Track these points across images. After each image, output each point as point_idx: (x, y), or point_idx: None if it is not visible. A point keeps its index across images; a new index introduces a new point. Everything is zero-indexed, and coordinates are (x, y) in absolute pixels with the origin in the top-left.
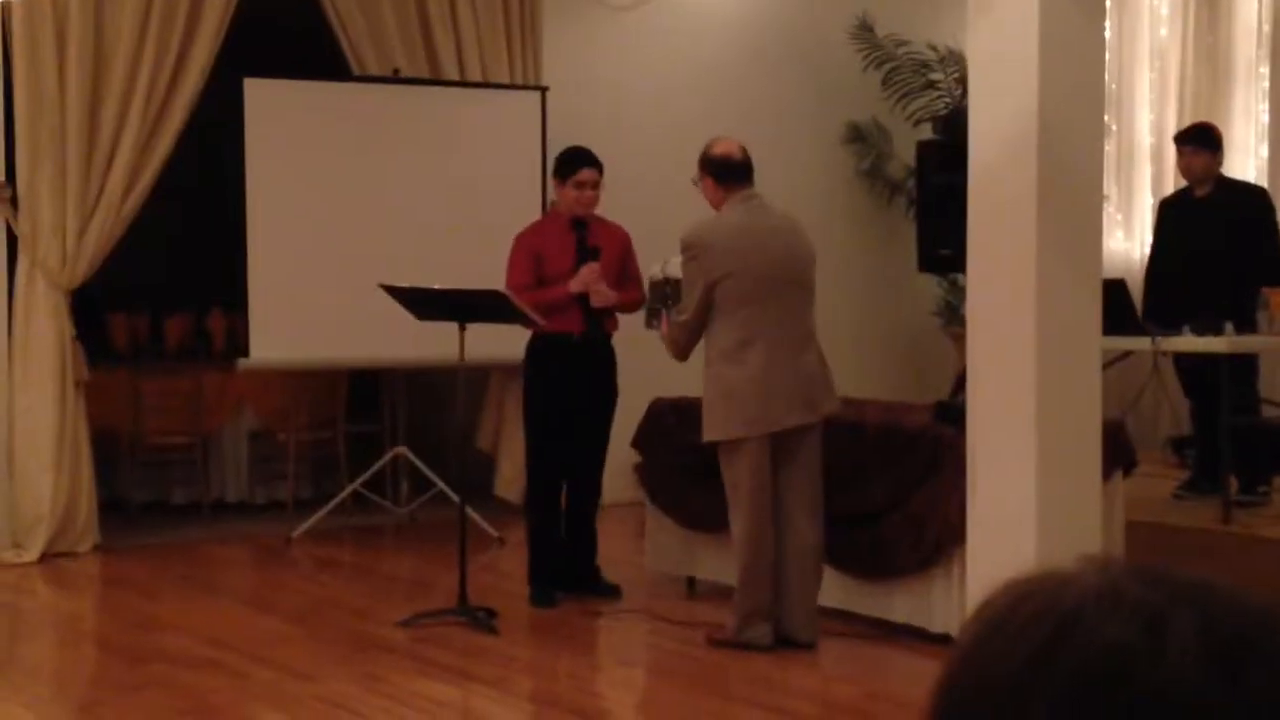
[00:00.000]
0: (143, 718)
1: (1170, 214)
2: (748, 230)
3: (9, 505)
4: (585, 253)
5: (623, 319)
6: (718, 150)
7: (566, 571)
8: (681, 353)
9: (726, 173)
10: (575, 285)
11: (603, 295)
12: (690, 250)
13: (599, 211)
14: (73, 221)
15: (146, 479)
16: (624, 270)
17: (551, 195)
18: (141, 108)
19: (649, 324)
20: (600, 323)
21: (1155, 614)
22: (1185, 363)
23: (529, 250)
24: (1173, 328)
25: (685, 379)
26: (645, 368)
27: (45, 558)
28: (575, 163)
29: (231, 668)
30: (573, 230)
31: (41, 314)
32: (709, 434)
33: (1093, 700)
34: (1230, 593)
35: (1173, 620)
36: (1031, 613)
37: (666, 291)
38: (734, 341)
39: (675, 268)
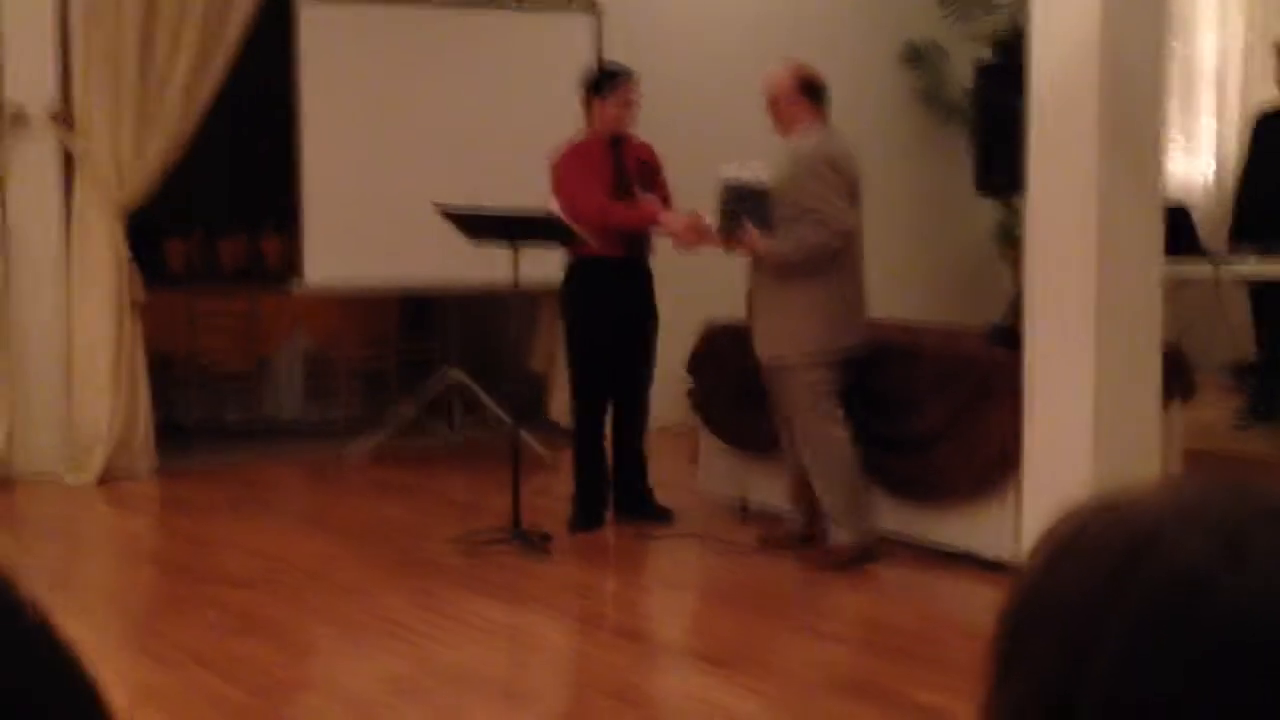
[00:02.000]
0: (198, 635)
1: (1265, 128)
2: (847, 151)
3: (67, 427)
4: (623, 171)
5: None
6: (811, 73)
7: (618, 495)
8: (800, 263)
9: (819, 97)
10: (680, 230)
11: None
12: (832, 162)
13: (647, 132)
14: (128, 143)
15: (201, 400)
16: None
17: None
18: (197, 29)
19: (728, 234)
20: (642, 246)
21: (1235, 530)
22: (1257, 286)
23: (585, 168)
24: (1263, 246)
25: (735, 302)
26: (694, 290)
27: (103, 479)
28: (618, 78)
29: (285, 585)
30: (610, 149)
31: (98, 236)
32: (823, 347)
33: (1172, 618)
34: None
35: (1254, 536)
36: (1104, 531)
37: (743, 196)
38: (841, 258)
39: (754, 172)
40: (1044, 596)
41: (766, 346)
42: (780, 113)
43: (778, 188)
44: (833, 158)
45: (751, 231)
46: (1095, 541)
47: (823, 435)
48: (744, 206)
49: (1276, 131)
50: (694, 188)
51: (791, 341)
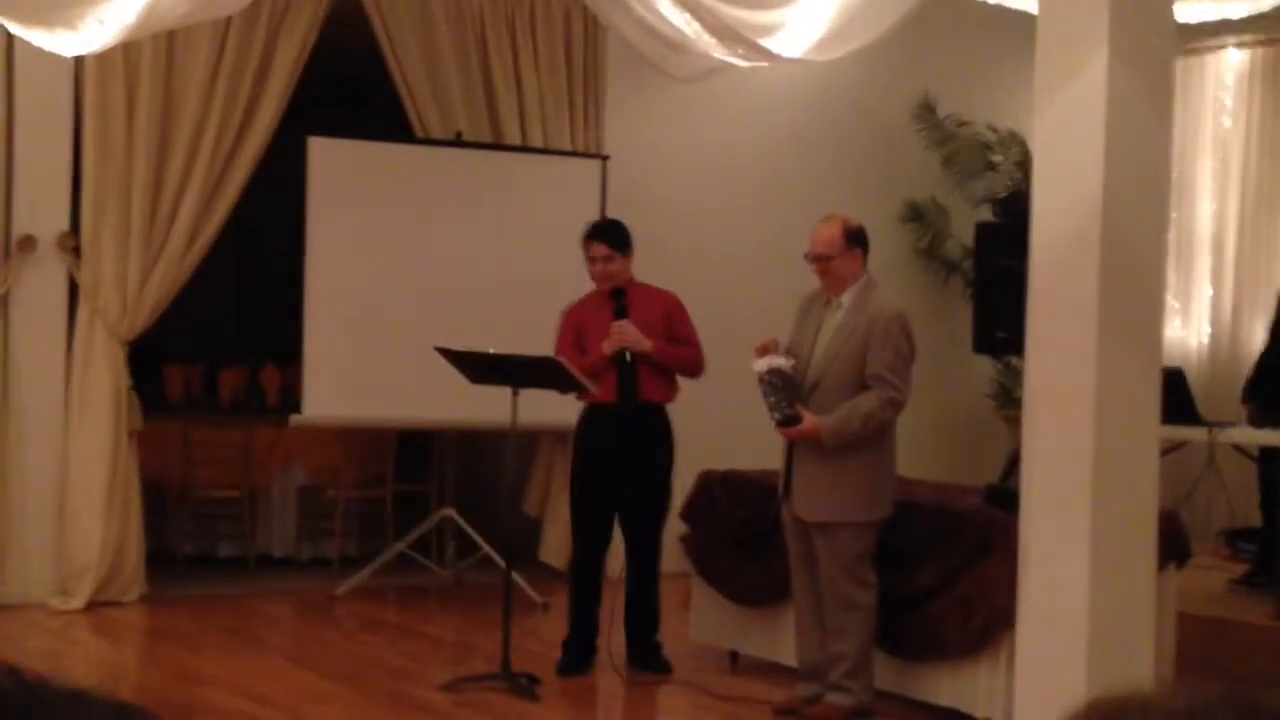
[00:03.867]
0: None
1: None
2: None
3: (58, 552)
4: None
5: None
6: (858, 223)
7: (629, 643)
8: (868, 437)
9: (868, 247)
10: (607, 346)
11: (636, 341)
12: (910, 330)
13: (650, 280)
14: (134, 273)
15: (194, 531)
16: (666, 333)
17: None
18: (207, 162)
19: (786, 422)
20: (634, 391)
21: None
22: (1266, 452)
23: (572, 322)
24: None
25: (736, 451)
26: (695, 439)
27: (91, 606)
28: (586, 236)
29: None
30: (611, 300)
31: (99, 363)
32: (876, 512)
33: None
34: None
35: None
36: None
37: (786, 381)
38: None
39: (780, 358)
40: None
41: (816, 509)
42: (833, 270)
43: (841, 344)
44: (910, 324)
45: (809, 417)
46: None
47: (856, 599)
48: (790, 393)
49: None
50: (708, 331)
51: (846, 507)
